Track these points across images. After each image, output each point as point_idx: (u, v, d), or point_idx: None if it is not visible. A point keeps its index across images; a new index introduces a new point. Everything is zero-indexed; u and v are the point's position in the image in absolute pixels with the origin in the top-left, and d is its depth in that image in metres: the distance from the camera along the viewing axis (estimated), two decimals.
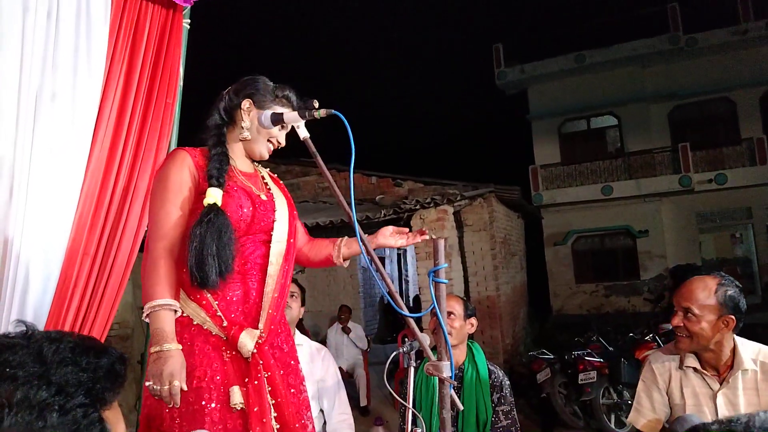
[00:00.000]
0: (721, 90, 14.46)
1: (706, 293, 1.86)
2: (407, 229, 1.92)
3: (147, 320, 1.59)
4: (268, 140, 1.80)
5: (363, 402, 6.59)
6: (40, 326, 1.82)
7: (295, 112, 1.67)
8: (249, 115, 1.77)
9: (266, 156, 1.83)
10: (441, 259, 1.38)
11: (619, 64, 15.09)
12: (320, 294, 10.62)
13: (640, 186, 14.60)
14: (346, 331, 7.15)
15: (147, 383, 1.54)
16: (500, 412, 2.42)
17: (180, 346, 1.57)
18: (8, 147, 1.83)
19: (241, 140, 1.79)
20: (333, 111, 1.55)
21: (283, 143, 1.84)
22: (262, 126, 1.76)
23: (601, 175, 15.12)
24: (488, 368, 2.50)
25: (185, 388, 1.54)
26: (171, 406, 1.54)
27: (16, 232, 1.82)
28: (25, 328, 0.74)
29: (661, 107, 15.16)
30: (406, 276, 15.03)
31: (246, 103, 1.76)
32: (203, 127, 1.80)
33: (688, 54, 14.63)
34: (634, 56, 14.91)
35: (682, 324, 1.89)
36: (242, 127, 1.77)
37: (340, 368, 3.17)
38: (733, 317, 1.84)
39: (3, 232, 1.80)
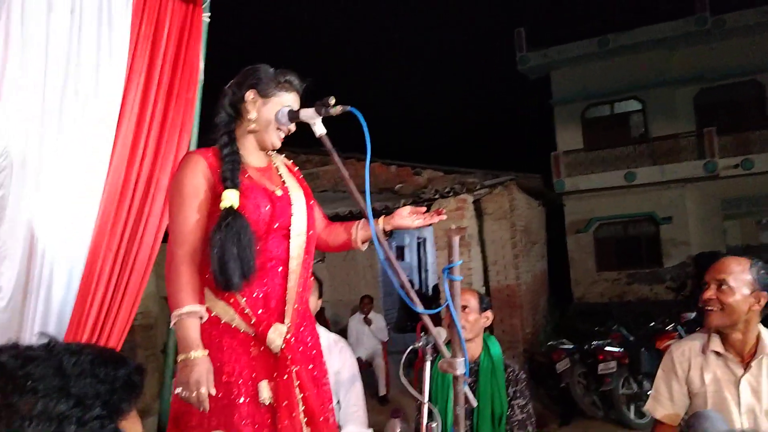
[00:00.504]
0: (749, 72, 14.03)
1: (740, 268, 1.89)
2: (424, 209, 1.91)
3: (173, 327, 1.62)
4: (278, 128, 1.77)
5: (382, 391, 6.64)
6: (65, 319, 1.88)
7: (311, 109, 1.64)
8: (255, 106, 1.74)
9: (278, 144, 1.81)
10: (456, 256, 1.38)
11: (644, 47, 14.71)
12: (340, 284, 10.67)
13: (664, 172, 14.30)
14: (368, 322, 7.18)
15: (176, 390, 1.57)
16: (515, 406, 2.42)
17: (206, 352, 1.60)
18: (34, 144, 1.88)
19: (250, 132, 1.77)
20: (349, 108, 1.54)
21: (294, 129, 1.80)
22: (279, 123, 1.74)
23: (625, 161, 14.83)
24: (504, 362, 2.50)
25: (213, 392, 1.56)
26: (201, 410, 1.57)
27: (42, 227, 1.87)
28: (47, 340, 0.78)
29: (686, 91, 14.79)
30: (426, 265, 15.04)
31: (250, 95, 1.74)
32: (212, 127, 1.78)
33: (716, 36, 14.22)
34: (659, 39, 14.53)
35: (714, 296, 1.89)
36: (249, 119, 1.75)
37: (358, 358, 3.19)
38: (765, 294, 1.86)
39: (29, 227, 1.85)
